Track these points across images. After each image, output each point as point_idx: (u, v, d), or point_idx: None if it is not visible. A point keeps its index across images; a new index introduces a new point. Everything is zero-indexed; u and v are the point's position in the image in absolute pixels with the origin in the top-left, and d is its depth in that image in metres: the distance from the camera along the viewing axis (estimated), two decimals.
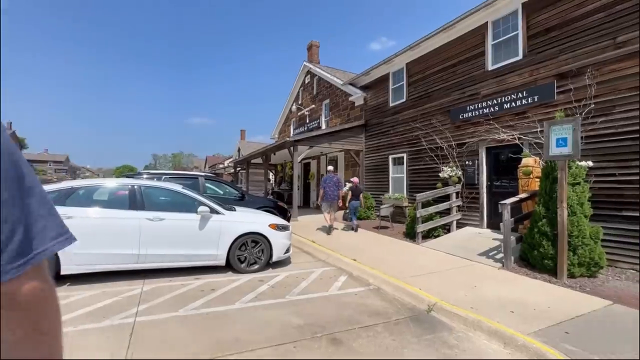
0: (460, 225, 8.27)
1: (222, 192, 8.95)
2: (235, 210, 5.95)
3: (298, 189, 14.60)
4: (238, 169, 22.51)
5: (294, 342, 3.12)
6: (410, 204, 9.57)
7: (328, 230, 8.68)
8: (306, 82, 18.03)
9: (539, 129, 6.50)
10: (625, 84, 5.43)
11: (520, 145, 6.93)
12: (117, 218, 4.80)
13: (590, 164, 5.52)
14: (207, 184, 8.81)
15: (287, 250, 5.83)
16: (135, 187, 5.12)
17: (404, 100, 10.54)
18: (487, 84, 7.83)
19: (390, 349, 3.03)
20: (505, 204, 5.45)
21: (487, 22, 7.87)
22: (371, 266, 5.49)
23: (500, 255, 5.67)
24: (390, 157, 11.07)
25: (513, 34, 7.31)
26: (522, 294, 4.20)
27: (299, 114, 18.46)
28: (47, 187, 4.82)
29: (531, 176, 6.20)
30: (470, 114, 8.15)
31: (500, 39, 7.61)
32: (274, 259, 5.59)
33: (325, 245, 7.13)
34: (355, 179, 9.22)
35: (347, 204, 9.22)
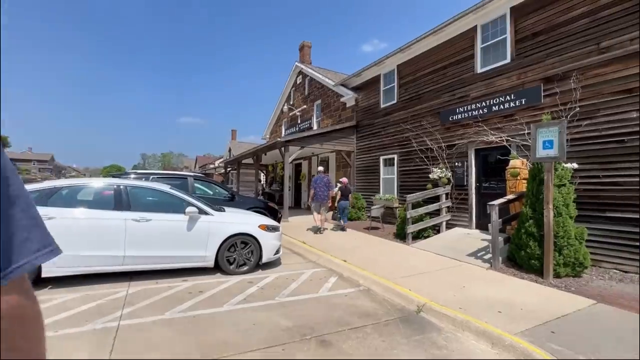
0: (449, 226, 8.35)
1: (211, 193, 8.83)
2: (224, 210, 5.87)
3: (289, 190, 14.55)
4: (229, 169, 22.30)
5: (283, 344, 3.08)
6: (400, 205, 9.63)
7: (318, 230, 8.68)
8: (298, 82, 17.99)
9: (526, 132, 6.61)
10: (608, 88, 5.57)
11: (508, 147, 7.04)
12: (102, 219, 4.67)
13: (575, 166, 5.63)
14: (197, 184, 8.68)
15: (277, 252, 5.78)
16: (121, 187, 4.99)
17: (395, 101, 10.61)
18: (476, 86, 7.93)
19: (379, 350, 3.02)
20: (494, 205, 5.52)
21: (476, 26, 7.98)
22: (361, 267, 5.48)
23: (489, 255, 5.74)
24: (381, 158, 11.12)
25: (501, 37, 7.43)
26: (510, 294, 4.25)
27: (290, 114, 18.40)
28: (29, 187, 4.66)
29: (518, 178, 6.30)
30: (459, 116, 8.25)
31: (489, 43, 7.72)
32: (264, 260, 5.53)
33: (316, 246, 7.10)
34: (344, 180, 9.26)
35: (336, 204, 9.25)
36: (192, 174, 9.63)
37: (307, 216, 11.33)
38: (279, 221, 8.42)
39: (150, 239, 4.83)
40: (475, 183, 8.02)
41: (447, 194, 8.37)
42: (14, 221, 0.50)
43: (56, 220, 4.34)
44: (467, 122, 8.06)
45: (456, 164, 8.35)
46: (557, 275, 4.83)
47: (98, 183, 5.23)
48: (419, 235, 7.87)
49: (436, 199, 8.31)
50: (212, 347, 2.99)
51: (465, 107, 8.10)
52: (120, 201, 4.87)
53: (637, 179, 5.12)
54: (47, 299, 3.93)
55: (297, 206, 16.77)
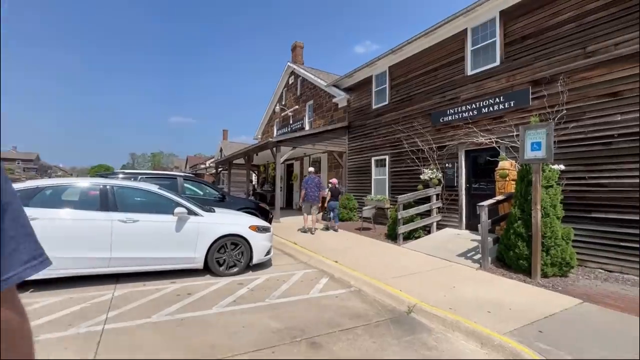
0: (440, 226, 8.42)
1: (201, 193, 8.71)
2: (214, 211, 5.79)
3: (281, 190, 14.48)
4: (220, 169, 22.07)
5: (273, 347, 3.04)
6: (392, 206, 9.67)
7: (310, 231, 8.66)
8: (290, 82, 17.93)
9: (515, 133, 6.71)
10: (594, 92, 5.69)
11: (498, 148, 7.14)
12: (87, 219, 4.55)
13: (562, 167, 5.74)
14: (186, 185, 8.55)
15: (268, 253, 5.72)
16: (107, 187, 4.87)
17: (386, 102, 10.66)
18: (466, 88, 8.02)
19: (370, 352, 3.01)
20: (483, 205, 5.58)
21: (466, 29, 8.08)
22: (353, 268, 5.47)
23: (479, 256, 5.80)
24: (373, 158, 11.15)
25: (491, 40, 7.53)
26: (499, 294, 4.29)
27: (282, 114, 18.32)
28: None
29: (507, 179, 6.39)
30: (450, 118, 8.33)
31: (479, 45, 7.82)
32: (255, 261, 5.47)
33: (307, 247, 7.07)
34: (334, 180, 9.29)
35: (325, 205, 9.27)
36: (181, 174, 9.49)
37: (298, 217, 11.28)
38: (270, 222, 8.36)
39: (138, 240, 4.72)
40: (466, 184, 8.10)
41: (437, 195, 8.43)
42: (2, 231, 0.48)
43: (39, 221, 4.20)
44: (458, 124, 8.14)
45: (447, 165, 8.42)
46: (544, 275, 4.90)
47: (83, 183, 5.08)
48: (410, 236, 7.91)
49: (427, 199, 8.37)
50: (199, 351, 2.93)
51: (456, 109, 8.18)
52: (107, 201, 4.75)
53: (622, 181, 5.25)
54: (28, 302, 3.80)
55: (289, 207, 16.70)
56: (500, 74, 7.27)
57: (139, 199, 5.16)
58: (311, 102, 15.58)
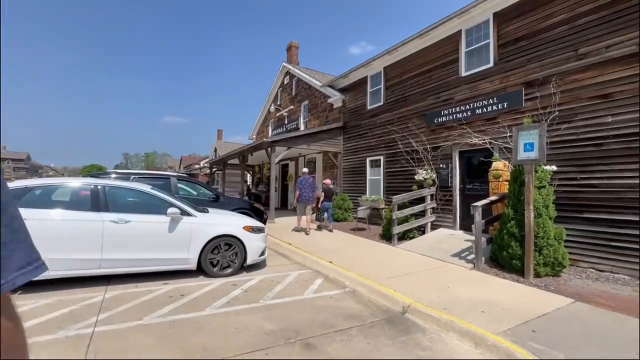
0: (434, 226, 8.45)
1: (195, 193, 8.64)
2: (208, 212, 5.74)
3: (275, 191, 14.42)
4: (214, 169, 21.93)
5: (266, 348, 3.01)
6: (386, 206, 9.68)
7: (304, 232, 8.64)
8: (285, 83, 17.89)
9: (508, 134, 6.77)
10: (585, 94, 5.76)
11: (491, 149, 7.19)
12: (77, 220, 4.47)
13: (555, 168, 5.80)
14: (180, 185, 8.47)
15: (263, 253, 5.69)
16: (99, 187, 4.79)
17: (381, 103, 10.68)
18: (460, 89, 8.07)
19: (364, 352, 3.00)
20: (477, 206, 5.61)
21: (460, 30, 8.13)
22: (347, 268, 5.46)
23: (472, 256, 5.83)
24: (368, 159, 11.17)
25: (485, 42, 7.59)
26: (492, 293, 4.31)
27: (277, 114, 18.27)
28: None
29: (501, 179, 6.44)
30: (444, 119, 8.37)
31: (473, 47, 7.88)
32: (249, 262, 5.43)
33: (302, 248, 7.04)
34: (327, 181, 9.30)
35: (319, 205, 9.27)
36: (175, 174, 9.39)
37: (293, 217, 11.23)
38: (265, 222, 8.33)
39: (129, 241, 4.65)
40: (460, 184, 8.15)
41: (432, 195, 8.47)
42: None
43: (27, 221, 4.06)
44: (452, 125, 8.19)
45: (441, 165, 8.47)
46: (537, 275, 4.94)
47: (74, 183, 4.99)
48: (404, 236, 7.92)
49: (421, 200, 8.40)
50: (192, 353, 2.89)
51: (450, 110, 8.23)
52: (98, 202, 4.67)
53: (613, 182, 5.32)
54: (16, 305, 3.71)
55: (284, 207, 16.65)
56: (494, 75, 7.32)
57: (131, 199, 5.09)
58: (306, 102, 15.56)
